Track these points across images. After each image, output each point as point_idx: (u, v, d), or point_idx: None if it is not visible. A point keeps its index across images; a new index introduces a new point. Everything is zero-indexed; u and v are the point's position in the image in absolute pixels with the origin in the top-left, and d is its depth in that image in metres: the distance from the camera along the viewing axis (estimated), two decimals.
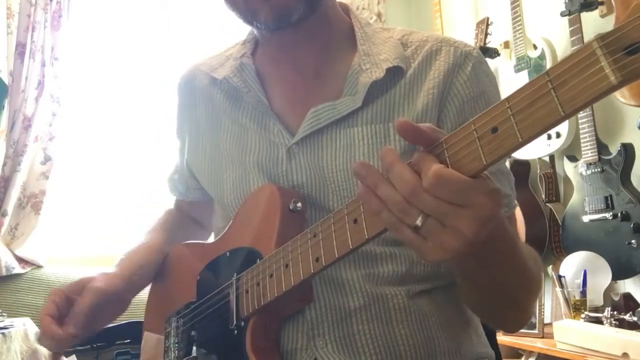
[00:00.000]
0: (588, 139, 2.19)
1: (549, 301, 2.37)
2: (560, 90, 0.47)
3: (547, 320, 2.29)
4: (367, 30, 0.90)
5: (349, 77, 0.85)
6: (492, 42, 2.80)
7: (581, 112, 2.20)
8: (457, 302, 0.86)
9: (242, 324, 0.80)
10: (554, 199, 2.48)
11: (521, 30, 2.50)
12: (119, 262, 0.96)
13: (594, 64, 0.45)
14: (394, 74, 0.85)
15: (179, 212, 1.14)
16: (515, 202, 0.89)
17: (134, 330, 2.74)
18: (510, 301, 0.76)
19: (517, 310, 0.80)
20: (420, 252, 0.56)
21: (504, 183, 0.85)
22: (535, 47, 2.51)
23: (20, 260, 2.81)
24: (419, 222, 0.54)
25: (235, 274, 0.83)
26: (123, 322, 2.70)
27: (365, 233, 0.62)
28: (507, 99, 0.51)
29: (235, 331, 0.80)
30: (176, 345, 0.92)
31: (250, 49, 0.94)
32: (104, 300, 0.87)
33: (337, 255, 0.66)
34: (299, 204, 0.80)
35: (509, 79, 2.56)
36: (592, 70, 0.45)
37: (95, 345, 2.61)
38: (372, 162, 0.81)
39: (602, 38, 0.44)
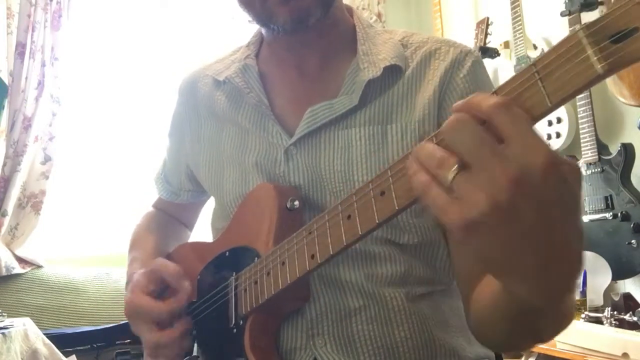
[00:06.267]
0: (588, 139, 2.19)
1: None
2: (546, 80, 0.46)
3: None
4: (368, 31, 0.90)
5: (347, 76, 0.85)
6: (492, 42, 2.80)
7: (581, 112, 2.20)
8: (456, 304, 0.86)
9: (241, 322, 0.80)
10: None
11: (521, 30, 2.50)
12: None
13: (580, 53, 0.44)
14: (393, 73, 0.84)
15: (164, 213, 1.14)
16: None
17: None
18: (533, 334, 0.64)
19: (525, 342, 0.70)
20: (444, 212, 0.47)
21: None
22: (535, 47, 2.51)
23: (20, 260, 2.81)
24: (451, 174, 0.46)
25: (234, 272, 0.83)
26: (123, 322, 2.71)
27: (359, 229, 0.62)
28: (496, 91, 0.50)
29: (235, 330, 0.80)
30: None
31: (254, 50, 0.94)
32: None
33: (331, 252, 0.66)
34: (296, 202, 0.80)
35: None
36: (577, 59, 0.44)
37: (95, 345, 2.61)
38: (369, 163, 0.81)
39: (587, 27, 0.44)
